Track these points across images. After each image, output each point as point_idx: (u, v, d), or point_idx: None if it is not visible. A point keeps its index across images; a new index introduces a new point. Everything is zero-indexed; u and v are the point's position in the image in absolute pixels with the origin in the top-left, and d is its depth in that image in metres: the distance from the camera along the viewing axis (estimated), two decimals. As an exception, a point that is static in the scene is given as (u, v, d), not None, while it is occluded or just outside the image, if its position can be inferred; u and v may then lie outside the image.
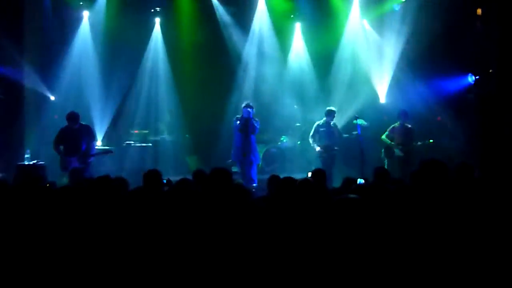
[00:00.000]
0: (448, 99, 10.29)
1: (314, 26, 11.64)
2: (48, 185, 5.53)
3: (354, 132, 9.54)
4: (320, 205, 3.37)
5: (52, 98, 10.60)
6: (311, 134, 9.45)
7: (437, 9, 9.90)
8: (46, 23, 10.44)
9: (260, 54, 11.70)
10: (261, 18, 11.73)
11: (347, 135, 9.90)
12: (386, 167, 8.83)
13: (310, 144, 9.46)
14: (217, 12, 11.53)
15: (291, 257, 2.80)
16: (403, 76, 10.77)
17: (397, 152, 9.12)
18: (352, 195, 2.78)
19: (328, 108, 9.42)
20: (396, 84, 10.85)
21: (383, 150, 9.31)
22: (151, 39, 11.67)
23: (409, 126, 9.22)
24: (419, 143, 9.16)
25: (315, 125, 9.42)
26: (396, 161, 9.11)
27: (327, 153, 9.27)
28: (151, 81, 11.69)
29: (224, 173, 4.22)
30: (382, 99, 11.01)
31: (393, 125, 9.31)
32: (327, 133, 9.27)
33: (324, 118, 9.32)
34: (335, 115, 9.35)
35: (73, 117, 8.09)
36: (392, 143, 9.20)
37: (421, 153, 8.97)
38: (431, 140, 9.19)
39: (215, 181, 4.03)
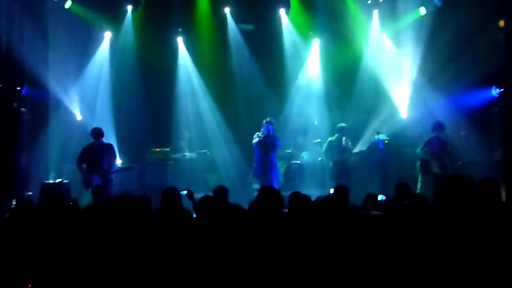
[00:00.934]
0: (472, 112, 10.16)
1: (333, 42, 11.70)
2: (72, 203, 5.61)
3: (371, 147, 9.65)
4: (342, 222, 3.36)
5: (79, 117, 10.78)
6: (324, 150, 9.78)
7: (459, 21, 9.84)
8: (70, 43, 10.70)
9: (281, 70, 11.74)
10: (282, 34, 11.79)
11: (357, 150, 9.82)
12: (419, 183, 8.63)
13: (324, 159, 9.78)
14: (231, 33, 11.66)
15: (313, 275, 2.80)
16: (424, 90, 10.69)
17: (435, 169, 8.69)
18: (374, 212, 2.76)
19: (339, 124, 9.70)
20: (417, 98, 10.77)
21: (418, 164, 8.90)
22: (178, 58, 11.84)
23: (446, 139, 8.89)
24: (459, 162, 8.75)
25: (327, 141, 9.74)
26: (432, 178, 8.66)
27: (339, 169, 9.44)
28: (172, 99, 11.84)
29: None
30: (404, 113, 10.92)
31: (428, 138, 8.95)
32: (339, 149, 9.50)
33: (336, 135, 9.61)
34: (346, 131, 9.62)
35: (97, 133, 8.28)
36: (428, 157, 8.77)
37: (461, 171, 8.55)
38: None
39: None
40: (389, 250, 2.55)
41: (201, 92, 11.81)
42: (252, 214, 3.59)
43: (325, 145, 9.78)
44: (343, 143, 9.52)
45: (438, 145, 8.80)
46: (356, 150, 9.85)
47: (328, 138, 10.01)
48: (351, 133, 10.06)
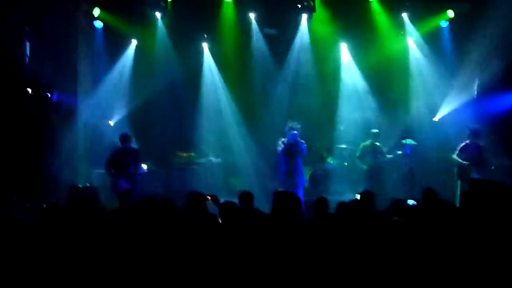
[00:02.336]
0: (503, 117, 9.98)
1: (360, 46, 11.63)
2: (99, 207, 5.72)
3: (399, 152, 9.74)
4: (367, 227, 3.34)
5: (111, 123, 10.98)
6: (357, 154, 10.13)
7: (485, 24, 9.69)
8: (98, 50, 10.92)
9: (306, 75, 11.75)
10: (303, 39, 11.78)
11: (390, 155, 9.79)
12: (458, 189, 8.55)
13: (358, 164, 10.06)
14: (255, 39, 11.70)
15: (331, 279, 2.80)
16: (455, 94, 10.57)
17: (474, 174, 8.48)
18: (395, 218, 2.75)
19: (372, 130, 10.04)
20: (449, 101, 10.66)
21: (456, 171, 8.78)
22: (203, 64, 11.96)
23: (481, 144, 8.77)
24: (492, 167, 8.77)
25: (361, 146, 10.06)
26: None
27: (373, 173, 9.72)
28: (197, 104, 11.95)
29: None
30: (436, 116, 10.80)
31: (463, 144, 8.85)
32: (372, 153, 9.85)
33: (370, 140, 9.96)
34: (379, 136, 9.95)
35: (125, 138, 8.48)
36: (466, 163, 8.67)
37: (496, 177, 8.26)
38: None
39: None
40: (408, 255, 2.54)
41: (224, 97, 11.87)
42: (273, 220, 3.60)
43: (359, 150, 10.11)
44: (377, 148, 9.88)
45: (476, 151, 8.71)
46: (390, 155, 9.86)
47: (361, 143, 10.12)
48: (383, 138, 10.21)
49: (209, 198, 5.90)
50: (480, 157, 8.65)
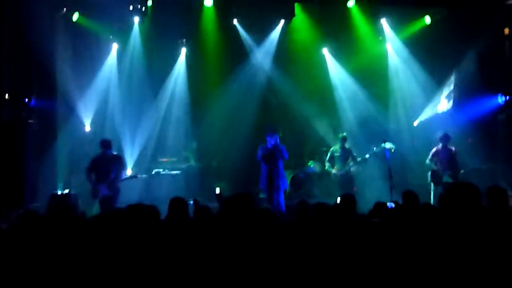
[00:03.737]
0: (479, 120, 10.18)
1: (341, 51, 11.77)
2: (79, 213, 5.68)
3: (367, 156, 9.81)
4: (349, 230, 3.39)
5: (88, 128, 10.90)
6: (327, 159, 10.12)
7: (465, 29, 9.90)
8: (78, 55, 10.83)
9: (287, 79, 11.84)
10: (290, 44, 11.88)
11: (360, 158, 9.87)
12: (432, 193, 8.86)
13: (327, 168, 10.07)
14: (243, 39, 11.73)
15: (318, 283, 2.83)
16: (434, 98, 10.76)
17: (446, 178, 8.93)
18: (374, 219, 2.80)
19: (340, 134, 10.10)
20: (426, 106, 10.84)
21: (429, 175, 9.14)
22: (175, 69, 11.98)
23: (453, 149, 9.14)
24: (462, 171, 9.13)
25: (330, 150, 10.10)
26: (444, 188, 8.80)
27: (342, 176, 9.78)
28: (179, 110, 11.93)
29: (247, 198, 4.24)
30: (415, 121, 10.97)
31: (435, 149, 9.19)
32: (341, 157, 9.87)
33: (338, 144, 9.96)
34: (347, 139, 9.94)
35: (106, 144, 8.43)
36: (437, 168, 9.05)
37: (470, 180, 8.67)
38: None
39: (239, 206, 4.05)
40: (389, 255, 2.59)
41: (207, 99, 11.88)
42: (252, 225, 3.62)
43: (328, 154, 10.09)
44: (346, 153, 9.85)
45: (447, 155, 9.06)
46: (359, 158, 9.87)
47: (331, 147, 10.19)
48: (362, 140, 10.39)
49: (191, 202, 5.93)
50: (451, 162, 9.01)
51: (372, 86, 11.47)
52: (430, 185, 9.06)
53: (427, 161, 9.19)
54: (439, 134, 9.27)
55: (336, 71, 11.87)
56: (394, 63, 11.50)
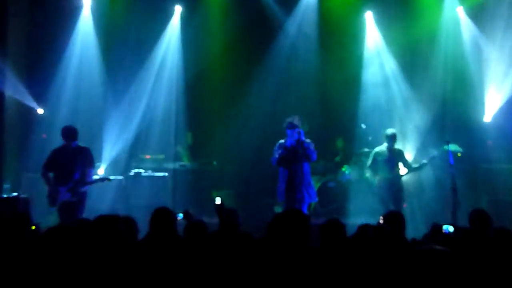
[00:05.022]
0: None
1: (390, 18, 11.68)
2: (30, 224, 5.67)
3: (424, 161, 9.62)
4: (397, 260, 3.33)
5: (40, 111, 10.94)
6: (368, 163, 9.88)
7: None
8: (35, 16, 10.89)
9: (314, 52, 11.82)
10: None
11: (416, 165, 9.73)
12: None
13: (368, 176, 9.84)
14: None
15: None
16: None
17: None
18: (438, 247, 2.73)
19: (388, 130, 9.71)
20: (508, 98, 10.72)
21: None
22: (165, 42, 12.05)
23: None
24: None
25: (373, 152, 9.83)
26: None
27: (389, 188, 9.50)
28: (169, 91, 11.96)
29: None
30: (487, 117, 10.83)
31: None
32: (388, 163, 9.58)
33: (385, 144, 9.66)
34: (396, 138, 9.64)
35: (70, 133, 8.41)
36: None
37: None
38: None
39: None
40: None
41: (208, 80, 11.87)
42: (265, 246, 3.58)
43: (370, 158, 9.84)
44: (395, 156, 9.60)
45: None
46: (415, 164, 9.74)
47: (374, 148, 9.99)
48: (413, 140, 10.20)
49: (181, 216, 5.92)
50: None
51: (431, 67, 11.34)
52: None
53: None
54: None
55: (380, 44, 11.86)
56: (468, 35, 11.30)
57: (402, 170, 9.65)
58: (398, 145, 9.80)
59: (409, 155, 10.32)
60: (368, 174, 9.90)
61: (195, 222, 5.17)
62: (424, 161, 9.64)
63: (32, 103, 10.90)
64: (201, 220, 5.30)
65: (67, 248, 3.75)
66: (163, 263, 3.96)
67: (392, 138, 9.60)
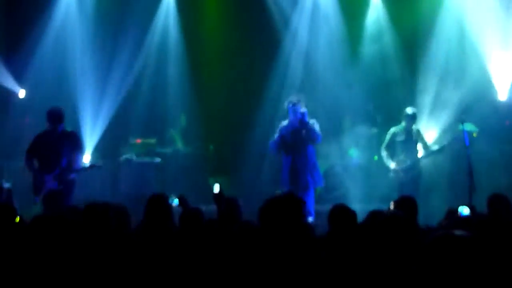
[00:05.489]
0: None
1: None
2: (18, 219, 5.67)
3: (445, 143, 9.59)
4: (410, 248, 3.34)
5: (22, 94, 10.90)
6: (384, 145, 9.77)
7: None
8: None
9: (316, 27, 11.83)
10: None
11: (436, 147, 9.71)
12: None
13: (384, 159, 9.73)
14: None
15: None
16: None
17: None
18: (458, 232, 2.72)
19: (409, 109, 9.61)
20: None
21: None
22: (160, 10, 12.00)
23: None
24: None
25: (390, 132, 9.74)
26: None
27: (405, 172, 9.45)
28: (160, 70, 11.94)
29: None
30: (503, 95, 10.83)
31: None
32: (407, 144, 9.53)
33: (403, 123, 9.59)
34: (416, 118, 9.57)
35: (55, 115, 8.36)
36: None
37: None
38: None
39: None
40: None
41: (205, 61, 11.85)
42: (264, 237, 3.58)
43: (386, 139, 9.76)
44: (413, 137, 9.54)
45: None
46: (435, 146, 9.70)
47: (390, 128, 9.96)
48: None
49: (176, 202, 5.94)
50: None
51: (441, 38, 11.32)
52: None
53: None
54: None
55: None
56: (476, 8, 11.28)
57: (420, 152, 9.63)
58: (416, 126, 9.70)
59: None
60: (383, 155, 9.79)
61: (191, 210, 5.17)
62: (445, 142, 9.59)
63: (13, 85, 10.85)
64: (198, 208, 5.29)
65: (55, 239, 3.76)
66: (159, 255, 3.97)
67: (412, 118, 9.53)
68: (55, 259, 3.55)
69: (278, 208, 3.56)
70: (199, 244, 4.23)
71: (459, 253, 2.57)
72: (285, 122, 8.85)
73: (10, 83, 10.84)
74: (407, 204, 5.57)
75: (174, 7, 12.05)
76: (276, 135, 8.83)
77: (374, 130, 11.27)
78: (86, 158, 10.42)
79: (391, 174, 9.64)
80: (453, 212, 5.42)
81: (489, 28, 10.95)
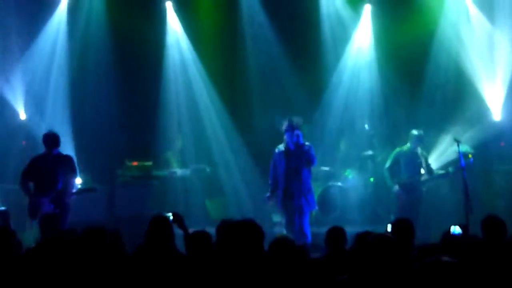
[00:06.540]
0: None
1: (392, 9, 11.75)
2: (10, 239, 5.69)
3: (450, 169, 9.51)
4: (400, 273, 3.36)
5: (23, 117, 10.97)
6: (387, 165, 9.75)
7: None
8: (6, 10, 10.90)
9: (316, 50, 11.90)
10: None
11: (442, 171, 9.72)
12: None
13: (387, 179, 9.70)
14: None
15: None
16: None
17: None
18: (445, 258, 2.75)
19: (415, 131, 9.63)
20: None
21: None
22: (160, 31, 12.07)
23: None
24: None
25: (394, 152, 9.72)
26: None
27: (409, 194, 9.45)
28: (158, 91, 11.96)
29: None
30: (496, 115, 10.88)
31: None
32: (411, 165, 9.52)
33: (408, 144, 9.59)
34: (423, 139, 9.56)
35: (51, 140, 8.39)
36: None
37: None
38: None
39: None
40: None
41: (199, 80, 11.90)
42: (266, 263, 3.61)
43: (391, 158, 9.78)
44: (418, 158, 9.56)
45: None
46: (441, 171, 9.69)
47: (386, 149, 10.00)
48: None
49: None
50: None
51: (436, 62, 11.39)
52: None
53: None
54: None
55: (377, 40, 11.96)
56: (469, 29, 11.37)
57: (424, 175, 9.63)
58: (421, 149, 9.71)
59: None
60: (386, 175, 9.78)
61: (196, 232, 5.09)
62: (450, 168, 9.56)
63: (14, 108, 10.88)
64: (204, 230, 5.19)
65: (52, 264, 3.78)
66: (163, 278, 3.94)
67: (418, 139, 9.56)
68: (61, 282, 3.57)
69: (236, 233, 3.59)
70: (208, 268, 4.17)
71: (445, 280, 2.60)
72: (281, 146, 8.84)
73: (10, 106, 10.83)
74: (403, 226, 5.60)
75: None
76: (271, 165, 8.86)
77: (370, 152, 11.28)
78: (78, 181, 10.42)
79: (393, 194, 9.65)
80: (448, 236, 5.42)
81: (480, 52, 11.07)
